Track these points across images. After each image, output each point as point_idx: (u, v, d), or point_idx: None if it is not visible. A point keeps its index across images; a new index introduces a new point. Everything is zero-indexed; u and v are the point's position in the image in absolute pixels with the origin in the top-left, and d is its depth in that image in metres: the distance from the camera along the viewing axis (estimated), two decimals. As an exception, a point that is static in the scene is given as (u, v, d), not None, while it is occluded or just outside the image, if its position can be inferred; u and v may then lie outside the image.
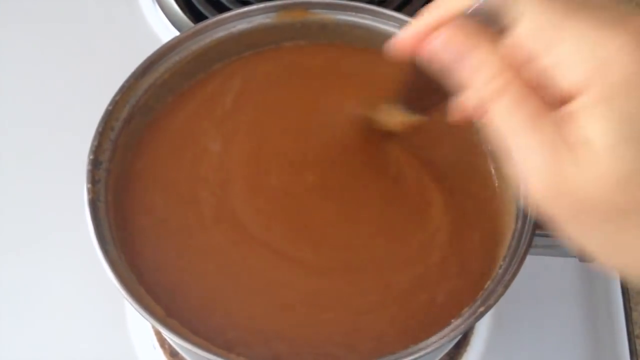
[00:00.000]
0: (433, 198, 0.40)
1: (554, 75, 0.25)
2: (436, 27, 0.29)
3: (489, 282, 0.35)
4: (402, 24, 0.43)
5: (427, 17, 0.30)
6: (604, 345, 0.50)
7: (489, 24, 0.27)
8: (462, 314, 0.35)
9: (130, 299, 0.34)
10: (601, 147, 0.23)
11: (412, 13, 0.59)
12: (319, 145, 0.42)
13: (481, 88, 0.26)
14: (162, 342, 0.49)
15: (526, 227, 0.36)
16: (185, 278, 0.37)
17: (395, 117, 0.38)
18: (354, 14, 0.44)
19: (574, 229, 0.26)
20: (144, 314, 0.34)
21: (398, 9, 0.60)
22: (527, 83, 0.25)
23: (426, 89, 0.33)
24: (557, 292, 0.51)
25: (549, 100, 0.25)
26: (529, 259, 0.35)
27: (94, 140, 0.38)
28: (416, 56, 0.30)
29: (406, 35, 0.31)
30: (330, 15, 0.44)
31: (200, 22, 0.43)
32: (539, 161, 0.24)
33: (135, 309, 0.34)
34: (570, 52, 0.24)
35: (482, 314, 0.34)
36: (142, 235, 0.38)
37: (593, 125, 0.24)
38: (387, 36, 0.43)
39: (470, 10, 0.28)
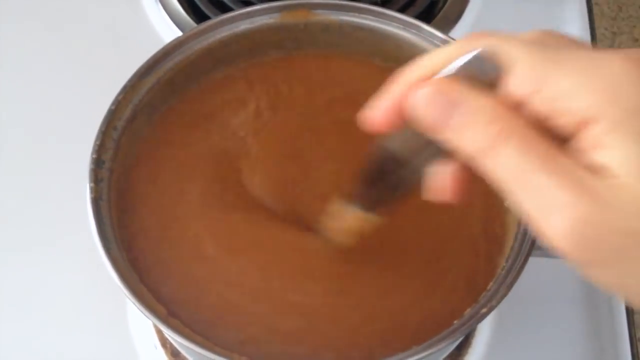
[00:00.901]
0: None
1: (559, 109, 0.24)
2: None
3: (491, 284, 0.35)
4: (405, 25, 0.43)
5: (405, 78, 0.27)
6: (605, 347, 0.50)
7: (478, 77, 0.25)
8: (464, 315, 0.35)
9: (132, 298, 0.34)
10: (625, 173, 0.22)
11: (415, 14, 0.60)
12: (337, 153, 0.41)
13: (479, 137, 0.24)
14: (164, 341, 0.49)
15: (529, 229, 0.36)
16: (187, 277, 0.37)
17: (348, 220, 0.35)
18: (357, 14, 0.43)
19: (609, 268, 0.23)
20: (146, 312, 0.34)
21: (401, 10, 0.60)
22: (530, 123, 0.24)
23: (393, 174, 0.29)
24: (559, 294, 0.51)
25: (555, 137, 0.24)
26: (532, 260, 0.35)
27: (96, 139, 0.38)
28: (392, 129, 0.27)
29: (382, 102, 0.27)
30: (333, 17, 0.44)
31: (203, 22, 0.43)
32: (564, 199, 0.23)
33: (137, 307, 0.34)
34: (574, 84, 0.23)
35: (484, 316, 0.34)
36: (144, 234, 0.38)
37: (612, 152, 0.23)
38: (390, 38, 0.43)
39: (458, 65, 0.25)
